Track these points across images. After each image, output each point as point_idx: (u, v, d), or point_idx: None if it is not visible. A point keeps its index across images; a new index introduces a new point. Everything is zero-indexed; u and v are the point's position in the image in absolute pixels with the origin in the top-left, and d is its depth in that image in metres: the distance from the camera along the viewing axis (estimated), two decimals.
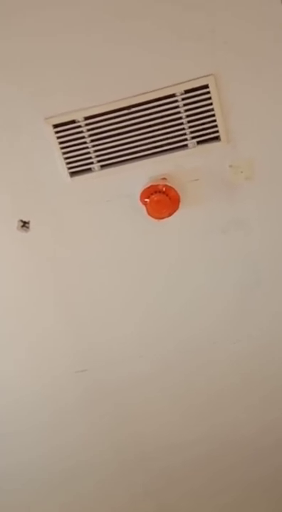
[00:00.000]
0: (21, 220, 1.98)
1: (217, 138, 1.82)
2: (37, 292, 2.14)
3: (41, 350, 2.28)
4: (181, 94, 1.75)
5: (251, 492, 2.75)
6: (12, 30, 1.68)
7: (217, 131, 1.81)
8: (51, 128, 1.80)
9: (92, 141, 1.82)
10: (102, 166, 1.87)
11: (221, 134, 1.81)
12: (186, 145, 1.83)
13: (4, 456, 2.58)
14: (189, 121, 1.79)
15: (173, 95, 1.76)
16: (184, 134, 1.81)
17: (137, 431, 2.52)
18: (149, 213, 1.90)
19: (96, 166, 1.86)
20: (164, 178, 1.89)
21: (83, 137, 1.82)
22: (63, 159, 1.85)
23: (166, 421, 2.50)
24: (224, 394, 2.42)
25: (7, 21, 1.67)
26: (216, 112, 1.78)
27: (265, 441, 2.57)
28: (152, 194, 1.88)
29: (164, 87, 1.75)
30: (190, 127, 1.80)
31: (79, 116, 1.79)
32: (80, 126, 1.80)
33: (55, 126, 1.80)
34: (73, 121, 1.80)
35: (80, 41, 1.70)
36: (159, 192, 1.87)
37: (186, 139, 1.82)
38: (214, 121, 1.79)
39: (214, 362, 2.33)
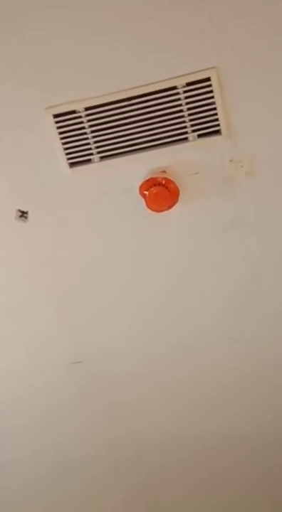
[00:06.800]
0: (19, 210, 1.97)
1: (218, 132, 1.81)
2: (34, 288, 2.14)
3: (38, 347, 2.27)
4: (183, 86, 1.74)
5: (247, 492, 2.74)
6: (13, 27, 1.68)
7: (218, 125, 1.80)
8: (51, 118, 1.79)
9: (93, 132, 1.82)
10: (102, 158, 1.86)
11: (222, 127, 1.81)
12: (186, 138, 1.82)
13: None
14: (190, 114, 1.78)
15: (174, 87, 1.75)
16: (185, 127, 1.80)
17: (132, 429, 2.51)
18: (148, 206, 1.89)
19: (96, 157, 1.86)
20: (164, 171, 1.88)
21: (83, 128, 1.81)
22: (62, 150, 1.84)
23: (162, 419, 2.50)
24: (221, 393, 2.41)
25: (9, 19, 1.67)
26: (218, 105, 1.77)
27: (262, 441, 2.56)
28: (151, 187, 1.87)
29: (166, 79, 1.74)
30: (191, 120, 1.79)
31: (79, 107, 1.78)
32: (80, 117, 1.79)
33: (56, 116, 1.79)
34: (74, 112, 1.79)
35: (82, 33, 1.69)
36: (159, 185, 1.86)
37: (186, 132, 1.81)
38: (215, 114, 1.78)
39: (212, 361, 2.32)
